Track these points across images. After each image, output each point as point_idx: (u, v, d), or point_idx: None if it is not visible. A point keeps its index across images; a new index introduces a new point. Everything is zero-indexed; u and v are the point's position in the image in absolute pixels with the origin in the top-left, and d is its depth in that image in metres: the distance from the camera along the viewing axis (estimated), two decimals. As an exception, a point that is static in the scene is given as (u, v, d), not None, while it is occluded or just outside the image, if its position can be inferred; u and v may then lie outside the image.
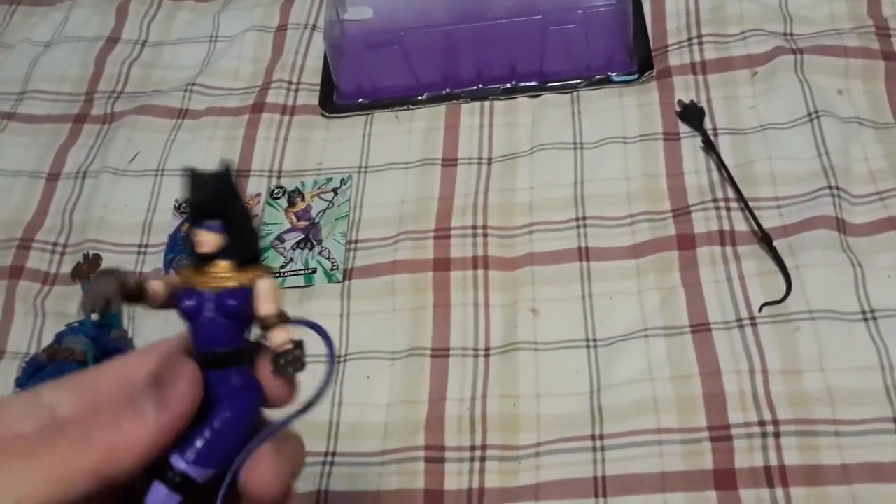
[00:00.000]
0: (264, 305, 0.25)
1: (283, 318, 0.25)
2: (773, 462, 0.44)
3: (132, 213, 0.62)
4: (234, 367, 0.25)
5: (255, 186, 0.63)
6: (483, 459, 0.47)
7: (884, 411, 0.44)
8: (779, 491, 0.43)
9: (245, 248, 0.25)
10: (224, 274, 0.25)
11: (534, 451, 0.47)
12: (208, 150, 0.64)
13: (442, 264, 0.55)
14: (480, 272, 0.54)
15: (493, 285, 0.54)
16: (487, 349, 0.51)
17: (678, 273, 0.52)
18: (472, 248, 0.56)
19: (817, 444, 0.44)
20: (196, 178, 0.25)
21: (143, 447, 0.23)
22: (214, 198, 0.25)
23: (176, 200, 0.62)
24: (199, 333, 0.25)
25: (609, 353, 0.49)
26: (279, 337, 0.25)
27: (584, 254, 0.54)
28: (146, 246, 0.61)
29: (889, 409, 0.44)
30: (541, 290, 0.53)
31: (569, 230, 0.55)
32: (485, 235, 0.56)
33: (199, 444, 0.24)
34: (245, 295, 0.25)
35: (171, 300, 0.25)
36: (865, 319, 0.47)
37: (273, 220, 0.61)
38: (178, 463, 0.24)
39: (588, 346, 0.50)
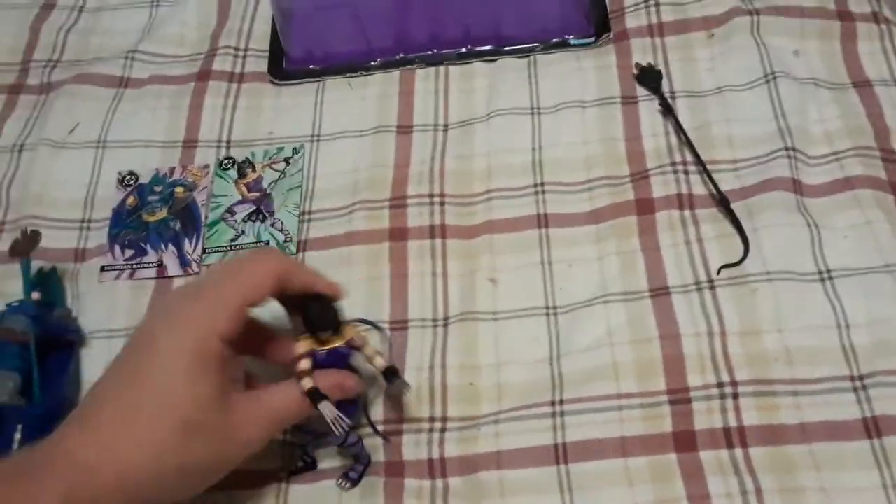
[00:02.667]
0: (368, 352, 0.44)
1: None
2: (732, 423, 0.44)
3: (73, 188, 0.59)
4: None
5: (202, 158, 0.60)
6: (443, 430, 0.46)
7: (841, 370, 0.44)
8: (738, 451, 0.43)
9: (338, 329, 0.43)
10: (334, 341, 0.43)
11: (493, 419, 0.46)
12: (153, 120, 0.61)
13: (398, 234, 0.54)
14: (438, 241, 0.53)
15: (451, 254, 0.53)
16: (446, 319, 0.50)
17: (637, 238, 0.51)
18: (430, 216, 0.54)
19: (776, 404, 0.44)
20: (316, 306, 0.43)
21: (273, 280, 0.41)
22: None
23: (119, 173, 0.60)
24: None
25: (569, 320, 0.49)
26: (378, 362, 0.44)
27: (542, 220, 0.53)
28: (89, 221, 0.58)
29: (846, 367, 0.44)
30: (500, 259, 0.52)
31: (527, 197, 0.54)
32: (442, 204, 0.55)
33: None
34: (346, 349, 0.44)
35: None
36: (822, 280, 0.47)
37: (222, 192, 0.58)
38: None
39: (548, 314, 0.49)
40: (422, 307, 0.51)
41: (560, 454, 0.44)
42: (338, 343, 0.43)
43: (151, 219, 0.58)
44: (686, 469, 0.43)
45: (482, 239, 0.53)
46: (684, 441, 0.44)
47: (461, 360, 0.48)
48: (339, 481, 0.45)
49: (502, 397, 0.47)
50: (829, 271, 0.47)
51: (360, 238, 0.54)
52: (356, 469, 0.45)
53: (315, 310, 0.42)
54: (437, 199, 0.55)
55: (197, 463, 0.39)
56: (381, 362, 0.44)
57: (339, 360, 0.43)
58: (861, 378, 0.44)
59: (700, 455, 0.43)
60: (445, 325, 0.50)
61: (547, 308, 0.50)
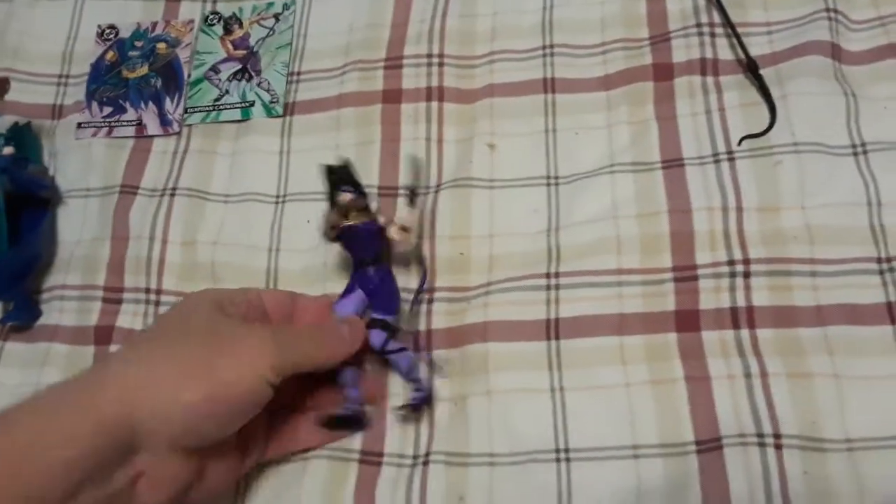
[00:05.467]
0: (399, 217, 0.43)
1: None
2: (741, 303, 0.40)
3: (51, 42, 0.56)
4: (377, 265, 0.42)
5: (187, 12, 0.56)
6: (431, 302, 0.43)
7: (867, 251, 0.40)
8: (744, 332, 0.39)
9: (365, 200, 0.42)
10: (361, 215, 0.42)
11: (483, 291, 0.43)
12: (135, -31, 0.56)
13: (392, 96, 0.49)
14: (434, 104, 0.49)
15: (447, 119, 0.48)
16: (438, 185, 0.47)
17: (652, 106, 0.46)
18: (427, 78, 0.50)
19: (790, 285, 0.40)
20: (332, 168, 0.43)
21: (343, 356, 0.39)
22: (346, 176, 0.42)
23: (99, 27, 0.55)
24: (357, 246, 0.42)
25: (571, 191, 0.45)
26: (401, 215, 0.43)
27: (549, 85, 0.48)
28: (67, 77, 0.55)
29: (873, 248, 0.40)
30: (500, 124, 0.47)
31: (534, 59, 0.49)
32: (440, 65, 0.50)
33: (382, 306, 0.42)
34: (374, 223, 0.42)
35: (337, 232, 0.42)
36: (855, 153, 0.42)
37: (207, 49, 0.54)
38: (379, 315, 0.41)
39: (549, 184, 0.45)
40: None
41: (552, 329, 0.41)
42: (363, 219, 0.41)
43: (131, 75, 0.54)
44: (686, 349, 0.40)
45: (482, 103, 0.48)
46: (687, 320, 0.40)
47: (451, 230, 0.45)
48: (403, 411, 0.40)
49: (493, 268, 0.43)
50: (863, 144, 0.42)
51: (350, 100, 0.50)
52: (415, 398, 0.40)
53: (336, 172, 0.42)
54: (435, 60, 0.50)
55: (188, 356, 0.35)
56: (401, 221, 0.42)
57: (367, 235, 0.42)
58: (889, 260, 0.40)
59: (702, 335, 0.40)
60: (437, 192, 0.46)
61: (548, 178, 0.46)
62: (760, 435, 0.37)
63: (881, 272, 0.40)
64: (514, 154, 0.47)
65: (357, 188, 0.42)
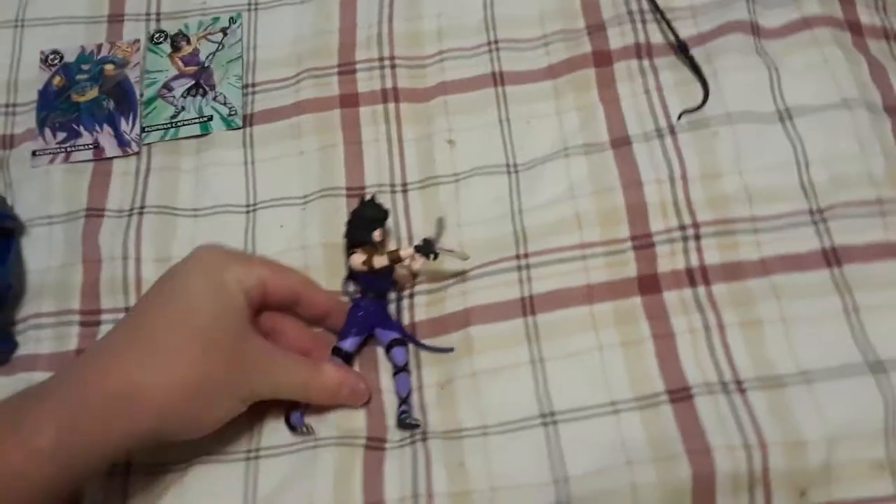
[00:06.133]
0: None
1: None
2: (695, 263, 0.44)
3: (-7, 71, 0.55)
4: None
5: (131, 32, 0.56)
6: (412, 296, 0.46)
7: (800, 205, 0.45)
8: (701, 289, 0.43)
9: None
10: (387, 255, 0.43)
11: (460, 279, 0.45)
12: (72, -8, 0.56)
13: (349, 100, 0.51)
14: (391, 105, 0.51)
15: (405, 118, 0.51)
16: (405, 184, 0.49)
17: (596, 90, 0.50)
18: (381, 80, 0.52)
19: (736, 242, 0.44)
20: (369, 205, 0.45)
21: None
22: (380, 216, 0.45)
23: (42, 52, 0.55)
24: (375, 282, 0.45)
25: (530, 176, 0.48)
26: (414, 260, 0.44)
27: (498, 79, 0.51)
28: (14, 105, 0.54)
29: (805, 202, 0.45)
30: (456, 120, 0.50)
31: (481, 55, 0.52)
32: (392, 67, 0.52)
33: (391, 327, 0.45)
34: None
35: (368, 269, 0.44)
36: (781, 119, 0.47)
37: (157, 68, 0.55)
38: (396, 334, 0.44)
39: (509, 172, 0.48)
40: (378, 173, 0.49)
41: (527, 306, 0.44)
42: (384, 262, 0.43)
43: (82, 99, 0.54)
44: (650, 310, 0.43)
45: (437, 101, 0.51)
46: (648, 284, 0.44)
47: (424, 228, 0.47)
48: (403, 416, 0.42)
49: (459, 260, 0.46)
50: (787, 110, 0.47)
51: (308, 107, 0.51)
52: (405, 410, 0.42)
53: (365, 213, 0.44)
54: (387, 63, 0.52)
55: (213, 384, 0.37)
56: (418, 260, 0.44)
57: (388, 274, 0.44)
58: (820, 211, 0.44)
59: (664, 296, 0.43)
60: (405, 191, 0.49)
61: (508, 166, 0.48)
62: (723, 383, 0.40)
63: (814, 223, 0.44)
64: (472, 147, 0.49)
65: (383, 227, 0.44)
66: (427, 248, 0.43)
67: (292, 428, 0.42)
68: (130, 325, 0.39)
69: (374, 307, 0.44)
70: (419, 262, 0.43)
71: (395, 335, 0.44)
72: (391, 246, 0.46)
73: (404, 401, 0.42)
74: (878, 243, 0.43)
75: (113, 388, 0.35)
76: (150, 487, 0.42)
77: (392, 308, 0.45)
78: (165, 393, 0.36)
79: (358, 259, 0.43)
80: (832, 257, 0.43)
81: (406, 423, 0.42)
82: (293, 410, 0.42)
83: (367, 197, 0.45)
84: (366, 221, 0.44)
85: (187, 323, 0.37)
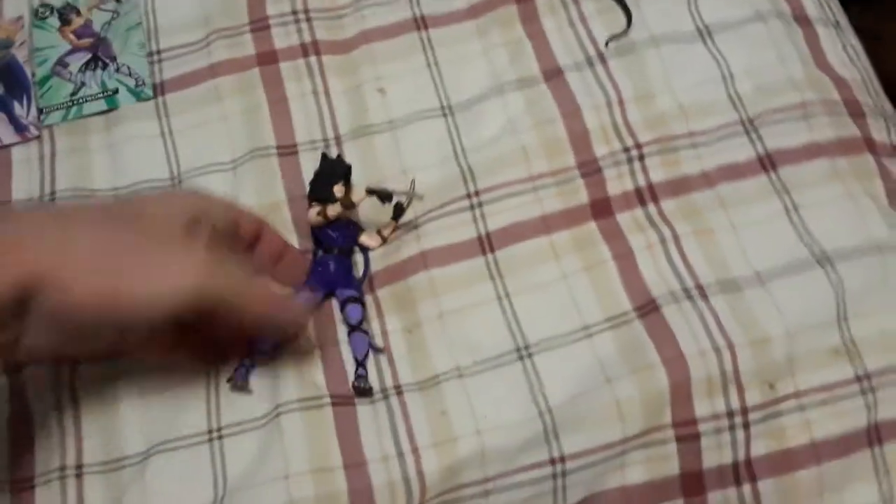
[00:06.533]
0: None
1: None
2: (642, 182, 0.44)
3: None
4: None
5: (12, 10, 0.51)
6: (365, 251, 0.44)
7: (731, 116, 0.46)
8: (651, 207, 0.44)
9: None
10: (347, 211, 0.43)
11: (412, 225, 0.44)
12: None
13: (267, 58, 0.49)
14: (313, 59, 0.49)
15: (329, 71, 0.49)
16: (338, 137, 0.47)
17: (521, 25, 0.49)
18: (297, 35, 0.49)
19: (678, 158, 0.45)
20: (331, 161, 0.44)
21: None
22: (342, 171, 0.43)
23: None
24: (334, 237, 0.43)
25: (467, 117, 0.47)
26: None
27: (420, 23, 0.50)
28: None
29: (735, 113, 0.46)
30: (383, 68, 0.49)
31: (399, 1, 0.50)
32: (308, 20, 0.50)
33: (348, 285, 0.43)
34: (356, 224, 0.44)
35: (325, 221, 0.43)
36: (702, 37, 0.48)
37: (47, 44, 0.50)
38: (351, 292, 0.42)
39: (445, 114, 0.47)
40: (309, 129, 0.47)
41: (485, 244, 0.43)
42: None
43: (-36, 86, 0.49)
44: (606, 233, 0.43)
45: (360, 50, 0.49)
46: (600, 208, 0.44)
47: (365, 174, 0.45)
48: (358, 380, 0.40)
49: (415, 202, 0.45)
50: (707, 27, 0.48)
51: (224, 68, 0.49)
52: (361, 374, 0.41)
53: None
54: (301, 16, 0.50)
55: (114, 251, 0.33)
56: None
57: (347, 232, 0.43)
58: (751, 121, 0.46)
59: (617, 217, 0.44)
60: (338, 143, 0.47)
61: (443, 108, 0.47)
62: (686, 289, 0.41)
63: (747, 132, 0.46)
64: (404, 93, 0.48)
65: (347, 183, 0.42)
66: (381, 192, 0.42)
67: (231, 382, 0.40)
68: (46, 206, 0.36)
69: (336, 265, 0.42)
70: (360, 195, 0.42)
71: (351, 293, 0.42)
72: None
73: (360, 363, 0.41)
74: (806, 144, 0.45)
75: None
76: (109, 488, 0.38)
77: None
78: (56, 251, 0.32)
79: (313, 211, 0.42)
80: (767, 162, 0.45)
81: (361, 388, 0.40)
82: (238, 367, 0.40)
83: (333, 155, 0.44)
84: (326, 177, 0.43)
85: (121, 208, 0.35)
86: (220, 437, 0.40)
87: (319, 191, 0.43)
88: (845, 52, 0.49)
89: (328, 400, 0.40)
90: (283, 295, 0.39)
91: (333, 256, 0.43)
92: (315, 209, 0.42)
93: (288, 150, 0.46)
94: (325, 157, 0.44)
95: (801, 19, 0.49)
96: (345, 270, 0.43)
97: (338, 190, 0.42)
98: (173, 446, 0.39)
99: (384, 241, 0.44)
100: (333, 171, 0.43)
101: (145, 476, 0.39)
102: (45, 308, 0.32)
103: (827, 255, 0.42)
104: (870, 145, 0.45)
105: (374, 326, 0.42)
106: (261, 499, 0.38)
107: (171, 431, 0.40)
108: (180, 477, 0.39)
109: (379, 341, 0.41)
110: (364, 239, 0.44)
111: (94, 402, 0.40)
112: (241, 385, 0.40)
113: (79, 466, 0.39)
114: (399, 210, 0.43)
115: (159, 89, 0.49)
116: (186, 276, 0.34)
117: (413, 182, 0.43)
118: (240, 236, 0.39)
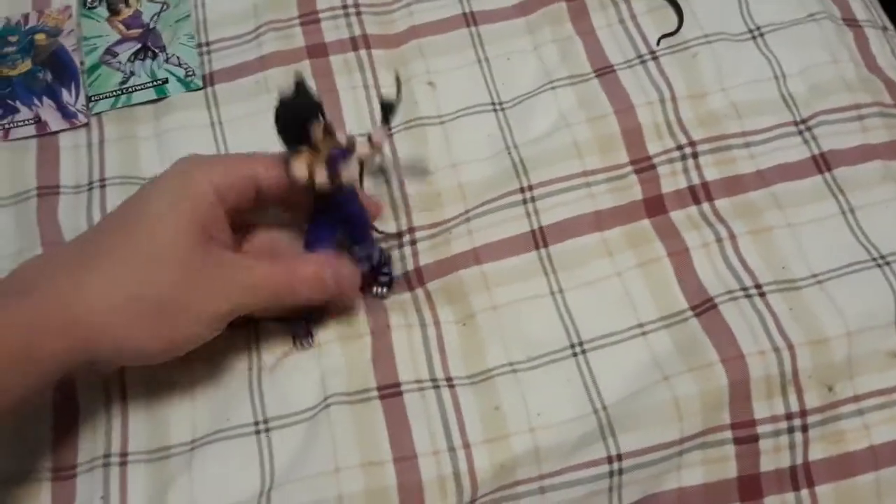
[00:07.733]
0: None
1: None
2: (696, 181, 0.44)
3: None
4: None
5: (60, -1, 0.51)
6: (413, 243, 0.44)
7: (785, 117, 0.45)
8: (706, 205, 0.43)
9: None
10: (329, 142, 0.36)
11: (463, 219, 0.44)
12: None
13: (317, 51, 0.49)
14: (363, 52, 0.49)
15: (379, 64, 0.48)
16: (390, 128, 0.46)
17: (570, 23, 0.49)
18: (348, 29, 0.49)
19: (732, 157, 0.44)
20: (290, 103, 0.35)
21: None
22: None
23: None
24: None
25: (518, 112, 0.47)
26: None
27: (470, 19, 0.50)
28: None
29: (788, 114, 0.46)
30: (433, 62, 0.48)
31: (448, -3, 0.50)
32: (358, 14, 0.50)
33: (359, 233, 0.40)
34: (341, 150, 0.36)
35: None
36: (754, 37, 0.48)
37: (95, 33, 0.50)
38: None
39: (495, 109, 0.47)
40: (359, 120, 0.47)
41: (538, 238, 0.43)
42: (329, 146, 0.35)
43: (13, 73, 0.49)
44: (660, 231, 0.43)
45: (410, 45, 0.49)
46: (654, 205, 0.43)
47: (415, 167, 0.45)
48: (376, 290, 0.41)
49: (466, 196, 0.44)
50: (758, 28, 0.48)
51: (274, 60, 0.48)
52: (382, 280, 0.41)
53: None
54: (352, 11, 0.50)
55: (165, 301, 0.34)
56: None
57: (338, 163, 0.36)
58: (804, 121, 0.45)
59: (671, 215, 0.43)
60: (391, 135, 0.46)
61: (493, 103, 0.47)
62: (744, 288, 0.41)
63: (800, 132, 0.45)
64: (454, 88, 0.48)
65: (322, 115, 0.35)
66: (389, 107, 0.37)
67: (295, 339, 0.40)
68: (78, 241, 0.36)
69: (343, 206, 0.37)
70: (365, 148, 0.37)
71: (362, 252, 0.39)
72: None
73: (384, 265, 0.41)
74: (861, 146, 0.44)
75: (40, 308, 0.32)
76: (154, 476, 0.38)
77: (393, 255, 0.43)
78: (102, 312, 0.33)
79: (300, 165, 0.34)
80: (822, 163, 0.44)
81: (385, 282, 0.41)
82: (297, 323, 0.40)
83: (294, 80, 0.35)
84: (292, 114, 0.34)
85: (138, 235, 0.34)
86: (267, 430, 0.39)
87: (288, 134, 0.34)
88: (894, 56, 0.49)
89: (375, 393, 0.39)
90: (327, 271, 0.38)
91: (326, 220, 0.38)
92: (301, 165, 0.34)
93: (339, 142, 0.46)
94: (283, 96, 0.35)
95: (851, 22, 0.49)
96: (353, 204, 0.38)
97: (317, 131, 0.33)
98: (221, 437, 0.39)
99: (377, 148, 0.37)
100: (299, 104, 0.34)
101: (192, 466, 0.38)
102: (104, 361, 0.35)
103: (885, 258, 0.41)
104: (922, 149, 0.45)
105: (427, 317, 0.41)
106: (309, 492, 0.37)
107: (218, 423, 0.39)
108: (227, 468, 0.38)
109: (431, 332, 0.41)
110: (359, 149, 0.36)
111: (141, 391, 0.40)
112: (307, 344, 0.40)
113: (123, 454, 0.39)
114: (388, 109, 0.37)
115: (208, 80, 0.48)
116: (219, 301, 0.35)
117: (398, 79, 0.40)
118: (262, 191, 0.38)
